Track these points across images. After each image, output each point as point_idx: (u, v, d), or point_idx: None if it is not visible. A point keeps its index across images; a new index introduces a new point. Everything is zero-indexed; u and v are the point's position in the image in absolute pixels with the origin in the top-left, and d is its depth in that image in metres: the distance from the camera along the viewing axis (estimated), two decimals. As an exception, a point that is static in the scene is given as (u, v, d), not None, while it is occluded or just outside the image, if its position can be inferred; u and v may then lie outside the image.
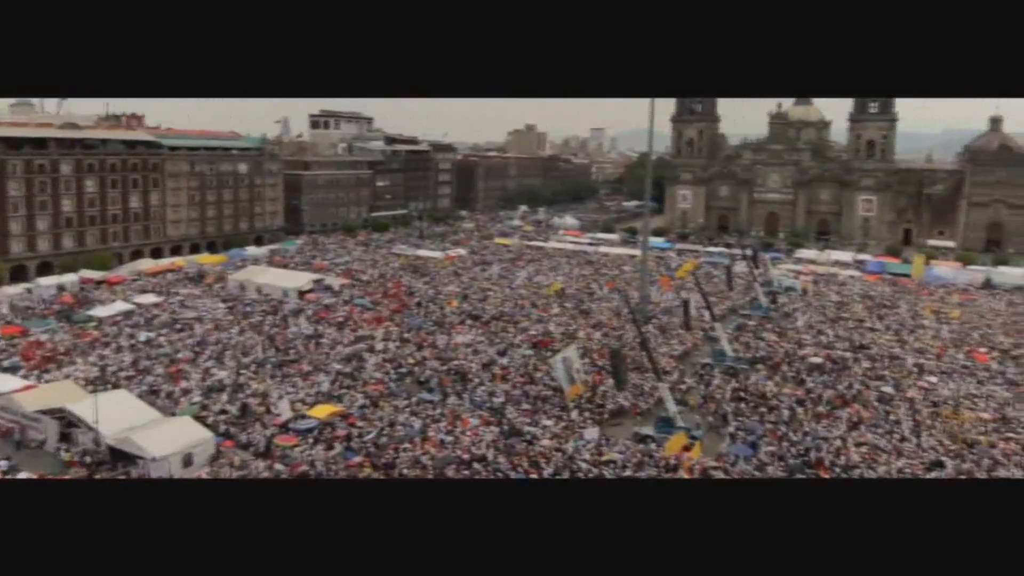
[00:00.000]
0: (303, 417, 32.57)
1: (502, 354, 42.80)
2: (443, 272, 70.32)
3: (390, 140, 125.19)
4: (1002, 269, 75.45)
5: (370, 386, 37.01)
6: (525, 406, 34.95)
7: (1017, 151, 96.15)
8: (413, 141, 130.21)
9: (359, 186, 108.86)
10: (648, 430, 32.63)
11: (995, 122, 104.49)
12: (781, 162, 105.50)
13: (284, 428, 31.75)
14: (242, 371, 38.73)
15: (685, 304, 49.26)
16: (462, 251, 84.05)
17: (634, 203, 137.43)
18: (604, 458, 29.48)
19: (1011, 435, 32.61)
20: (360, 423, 32.48)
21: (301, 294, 56.85)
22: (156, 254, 77.36)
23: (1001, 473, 28.80)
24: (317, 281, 60.76)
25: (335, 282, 61.73)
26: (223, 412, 33.33)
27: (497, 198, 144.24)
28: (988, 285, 70.54)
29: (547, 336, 47.12)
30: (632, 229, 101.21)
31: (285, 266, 71.07)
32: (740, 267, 66.36)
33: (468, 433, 31.60)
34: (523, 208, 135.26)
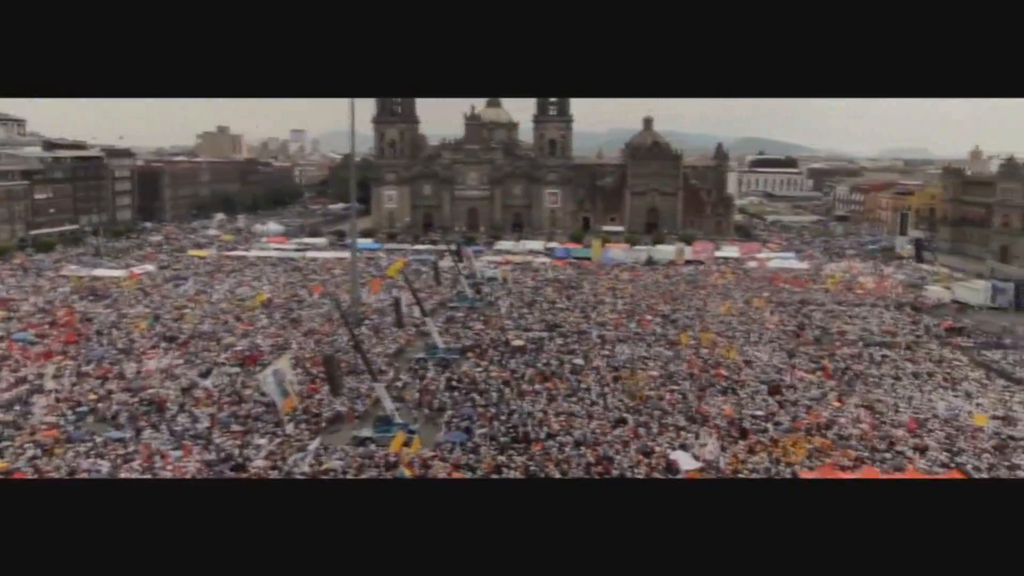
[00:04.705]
0: (-52, 483, 26.85)
1: (204, 376, 39.58)
2: (127, 292, 62.78)
3: (50, 145, 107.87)
4: (659, 247, 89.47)
5: (41, 433, 31.75)
6: (235, 428, 32.75)
7: (665, 147, 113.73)
8: (81, 146, 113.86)
9: (11, 200, 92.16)
10: (367, 432, 32.68)
11: (648, 122, 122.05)
12: (478, 161, 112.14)
13: (-79, 501, 25.84)
14: None
15: (396, 302, 50.08)
16: (150, 267, 75.75)
17: (340, 205, 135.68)
18: (324, 467, 28.88)
19: (674, 387, 38.64)
20: (31, 478, 27.72)
21: (-64, 335, 46.70)
22: None
23: (669, 420, 33.85)
24: (-41, 317, 50.43)
25: (-15, 316, 51.73)
26: None
27: (189, 207, 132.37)
28: (650, 262, 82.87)
29: (255, 350, 44.63)
30: (340, 232, 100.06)
31: (-90, 303, 57.88)
32: (446, 262, 69.33)
33: (169, 468, 28.72)
34: (220, 216, 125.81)
